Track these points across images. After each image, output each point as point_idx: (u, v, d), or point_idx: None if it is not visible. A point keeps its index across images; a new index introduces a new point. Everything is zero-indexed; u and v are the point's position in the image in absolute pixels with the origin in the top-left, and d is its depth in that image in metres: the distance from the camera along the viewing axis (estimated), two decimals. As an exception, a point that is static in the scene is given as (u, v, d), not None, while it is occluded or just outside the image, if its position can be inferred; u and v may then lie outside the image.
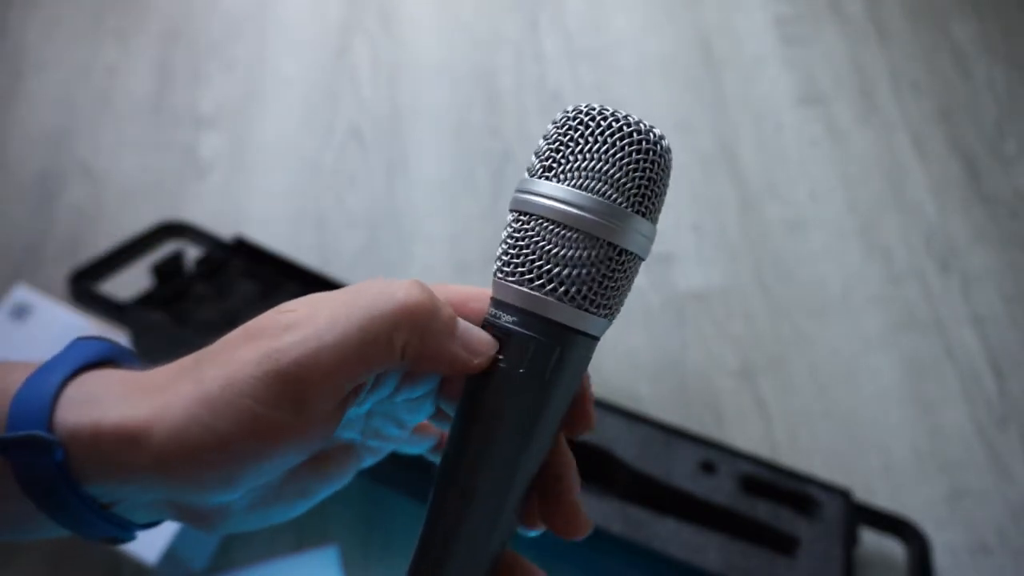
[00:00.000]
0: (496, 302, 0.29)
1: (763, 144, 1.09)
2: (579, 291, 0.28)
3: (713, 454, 0.77)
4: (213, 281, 0.87)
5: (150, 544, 0.69)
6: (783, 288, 0.97)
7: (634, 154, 0.28)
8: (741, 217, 1.02)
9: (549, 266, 0.28)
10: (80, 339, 0.30)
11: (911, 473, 0.84)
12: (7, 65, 1.14)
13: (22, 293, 0.84)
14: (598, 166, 0.28)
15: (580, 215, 0.27)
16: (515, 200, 0.29)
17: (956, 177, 1.06)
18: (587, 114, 0.29)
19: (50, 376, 0.28)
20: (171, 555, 0.69)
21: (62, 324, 0.84)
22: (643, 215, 0.28)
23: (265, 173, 1.06)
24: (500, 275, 0.29)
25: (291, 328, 0.26)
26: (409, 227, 1.02)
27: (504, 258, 0.29)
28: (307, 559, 0.74)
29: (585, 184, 0.28)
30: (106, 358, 0.30)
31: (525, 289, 0.28)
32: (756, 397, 0.89)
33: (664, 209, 0.30)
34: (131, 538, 0.29)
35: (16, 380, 0.28)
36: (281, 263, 0.88)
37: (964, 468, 0.84)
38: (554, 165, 0.28)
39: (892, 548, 0.79)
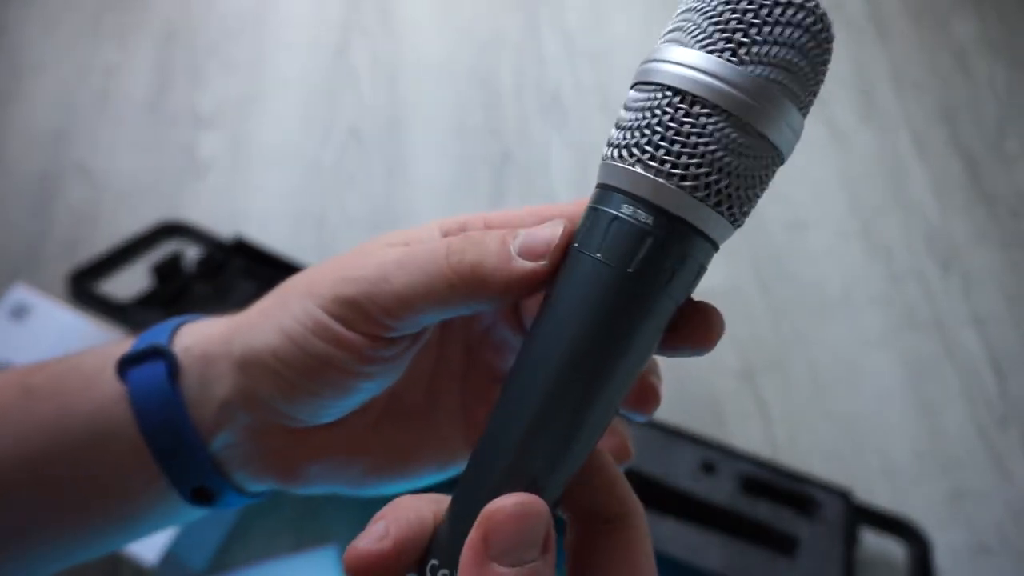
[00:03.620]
0: (618, 192, 0.24)
1: (763, 144, 1.09)
2: (726, 187, 0.24)
3: (713, 454, 0.77)
4: (213, 281, 0.87)
5: (150, 545, 0.69)
6: (783, 288, 0.97)
7: (803, 23, 0.23)
8: (741, 217, 1.02)
9: (708, 159, 0.23)
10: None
11: (911, 473, 0.84)
12: (6, 65, 1.14)
13: (22, 293, 0.84)
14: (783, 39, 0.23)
15: (740, 98, 0.23)
16: (658, 72, 0.24)
17: (957, 177, 1.06)
18: None
19: (163, 326, 0.31)
20: (171, 556, 0.69)
21: (62, 324, 0.83)
22: (799, 107, 0.24)
23: (265, 173, 1.06)
24: (627, 161, 0.24)
25: (364, 266, 0.27)
26: (409, 227, 1.02)
27: (639, 141, 0.24)
28: (307, 559, 0.74)
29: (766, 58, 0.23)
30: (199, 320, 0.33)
31: (662, 181, 0.23)
32: (756, 397, 0.89)
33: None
34: (222, 495, 0.30)
35: (124, 345, 0.31)
36: (281, 263, 0.88)
37: (964, 468, 0.84)
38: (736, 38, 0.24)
39: (892, 548, 0.79)
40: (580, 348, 0.24)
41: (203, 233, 0.91)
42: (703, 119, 0.23)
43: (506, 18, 1.22)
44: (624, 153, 0.24)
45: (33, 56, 1.15)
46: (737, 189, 0.24)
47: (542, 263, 0.25)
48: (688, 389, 0.88)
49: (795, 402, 0.89)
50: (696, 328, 0.25)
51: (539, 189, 1.05)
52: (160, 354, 0.29)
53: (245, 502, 0.32)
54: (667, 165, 0.23)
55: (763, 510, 0.75)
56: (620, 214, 0.24)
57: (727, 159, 0.23)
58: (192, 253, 0.90)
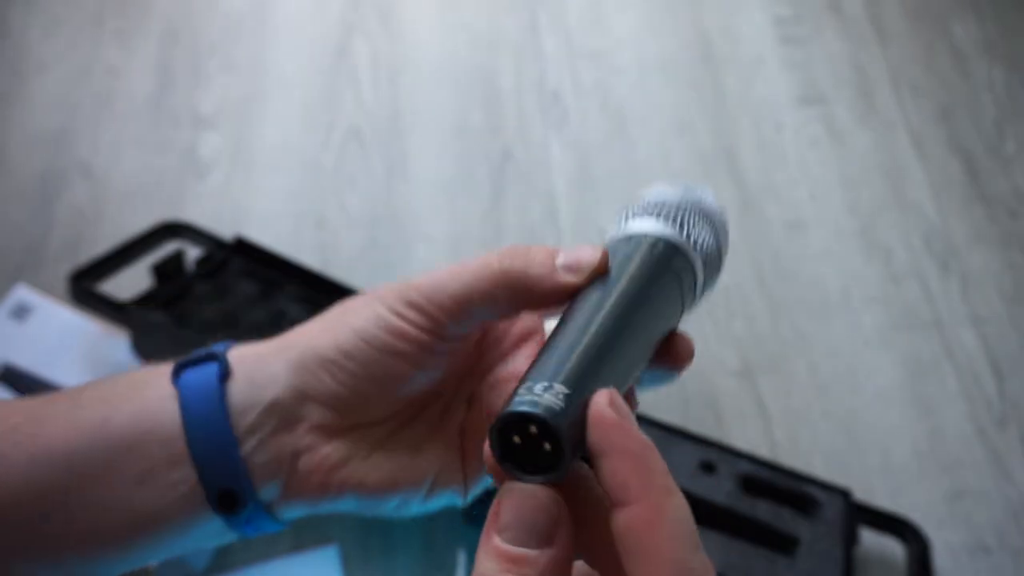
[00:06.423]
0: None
1: (763, 144, 1.09)
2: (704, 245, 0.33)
3: (713, 454, 0.78)
4: (213, 281, 0.87)
5: (150, 544, 0.69)
6: (783, 288, 0.97)
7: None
8: (741, 217, 1.02)
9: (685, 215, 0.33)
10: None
11: (911, 473, 0.84)
12: (8, 65, 1.14)
13: (22, 293, 0.85)
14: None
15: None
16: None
17: (956, 177, 1.06)
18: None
19: (222, 343, 0.33)
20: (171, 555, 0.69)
21: (62, 324, 0.84)
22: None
23: (265, 173, 1.06)
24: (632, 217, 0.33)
25: (421, 278, 0.32)
26: (409, 227, 1.02)
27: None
28: (307, 559, 0.74)
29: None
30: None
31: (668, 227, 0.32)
32: (756, 397, 0.89)
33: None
34: (247, 504, 0.31)
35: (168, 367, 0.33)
36: (281, 263, 0.88)
37: (964, 468, 0.84)
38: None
39: (892, 548, 0.79)
40: (625, 291, 0.29)
41: (203, 233, 0.91)
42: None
43: (506, 17, 1.22)
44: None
45: (35, 56, 1.16)
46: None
47: (581, 278, 0.30)
48: (687, 388, 0.88)
49: (795, 402, 0.89)
50: (675, 350, 0.32)
51: (539, 189, 1.05)
52: (214, 358, 0.32)
53: (269, 528, 0.32)
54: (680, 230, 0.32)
55: (763, 510, 0.75)
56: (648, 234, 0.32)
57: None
58: (192, 253, 0.90)
